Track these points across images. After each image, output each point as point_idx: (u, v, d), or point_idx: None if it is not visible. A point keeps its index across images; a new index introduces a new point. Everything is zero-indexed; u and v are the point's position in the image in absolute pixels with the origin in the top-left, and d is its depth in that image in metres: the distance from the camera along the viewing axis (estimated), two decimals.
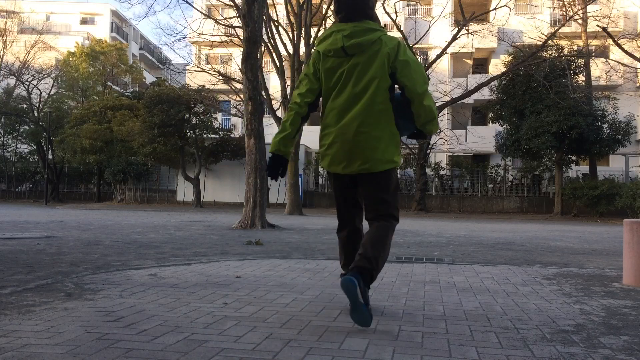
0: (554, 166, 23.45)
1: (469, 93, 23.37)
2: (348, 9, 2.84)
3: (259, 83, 12.16)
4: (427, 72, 23.15)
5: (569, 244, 8.77)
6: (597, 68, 24.39)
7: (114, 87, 35.71)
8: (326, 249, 6.95)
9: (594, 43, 24.28)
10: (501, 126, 24.46)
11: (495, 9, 22.38)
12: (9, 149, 33.18)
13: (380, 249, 2.69)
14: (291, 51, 20.10)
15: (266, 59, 24.19)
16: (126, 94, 33.74)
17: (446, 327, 2.71)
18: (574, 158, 23.04)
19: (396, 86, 2.87)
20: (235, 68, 27.17)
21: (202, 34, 21.42)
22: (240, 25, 14.36)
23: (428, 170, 25.28)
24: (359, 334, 2.52)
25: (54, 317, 2.72)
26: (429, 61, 24.50)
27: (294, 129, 2.91)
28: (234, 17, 20.95)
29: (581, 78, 22.87)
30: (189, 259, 5.53)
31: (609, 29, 20.43)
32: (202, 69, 24.96)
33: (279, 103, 21.68)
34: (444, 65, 30.85)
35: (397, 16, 22.84)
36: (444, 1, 27.77)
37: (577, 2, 23.64)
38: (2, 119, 31.85)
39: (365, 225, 3.02)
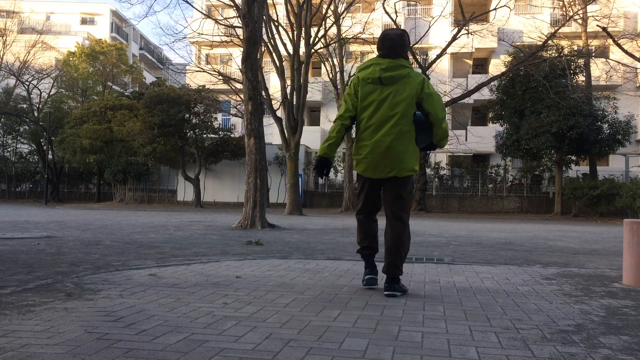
0: (554, 166, 23.44)
1: (469, 93, 23.37)
2: (388, 50, 3.62)
3: (259, 83, 12.16)
4: (427, 72, 23.25)
5: (569, 244, 8.77)
6: (597, 68, 24.36)
7: (114, 87, 35.69)
8: (326, 249, 6.95)
9: (594, 43, 24.27)
10: (501, 126, 24.45)
11: (495, 9, 22.36)
12: (9, 149, 33.17)
13: (401, 253, 3.57)
14: (291, 51, 20.09)
15: (266, 59, 24.19)
16: (126, 94, 33.73)
17: (446, 327, 2.71)
18: (574, 158, 23.03)
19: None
20: (235, 68, 27.17)
21: (202, 34, 21.39)
22: (240, 25, 14.35)
23: (428, 170, 25.28)
24: (359, 334, 2.52)
25: (54, 317, 2.72)
26: (429, 61, 24.49)
27: (339, 137, 3.65)
28: (234, 17, 20.93)
29: (581, 78, 22.86)
30: (189, 259, 5.53)
31: (609, 29, 20.42)
32: (202, 69, 24.94)
33: (279, 103, 21.68)
34: (444, 65, 30.83)
35: (397, 16, 22.84)
36: (444, 1, 27.75)
37: (577, 2, 23.63)
38: (2, 119, 31.83)
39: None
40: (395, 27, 23.01)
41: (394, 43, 3.61)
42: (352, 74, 23.70)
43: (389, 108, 3.52)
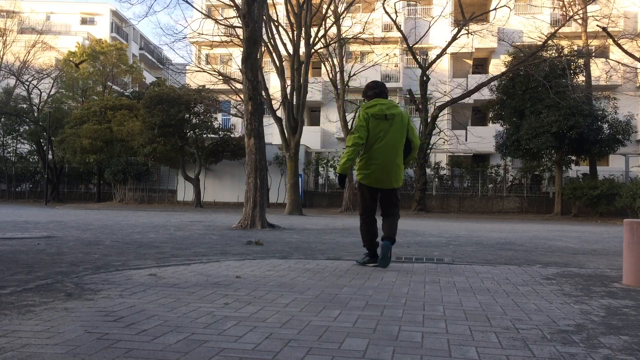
0: (554, 166, 23.44)
1: (469, 93, 23.36)
2: (381, 90, 5.01)
3: (259, 83, 12.15)
4: (428, 72, 23.29)
5: (569, 244, 8.77)
6: (597, 68, 24.35)
7: (114, 87, 35.66)
8: (326, 249, 6.95)
9: (594, 43, 24.26)
10: (501, 126, 24.44)
11: (495, 9, 22.37)
12: (9, 149, 33.15)
13: (395, 229, 4.99)
14: (291, 51, 20.09)
15: (266, 59, 24.19)
16: (126, 94, 33.71)
17: (446, 327, 2.71)
18: (574, 158, 23.02)
19: None
20: (235, 68, 27.16)
21: (202, 34, 21.38)
22: (240, 25, 14.35)
23: (428, 170, 25.26)
24: (359, 334, 2.52)
25: (54, 317, 2.72)
26: (429, 61, 24.49)
27: (354, 158, 4.86)
28: (234, 17, 20.92)
29: (581, 78, 22.84)
30: (189, 259, 5.53)
31: (609, 29, 20.41)
32: (202, 69, 24.93)
33: (279, 103, 21.67)
34: (444, 65, 30.82)
35: (397, 16, 22.84)
36: (444, 1, 27.75)
37: (577, 2, 23.62)
38: (2, 119, 31.82)
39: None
40: (395, 27, 23.21)
41: (383, 86, 5.07)
42: (351, 74, 23.72)
43: (392, 137, 4.81)
